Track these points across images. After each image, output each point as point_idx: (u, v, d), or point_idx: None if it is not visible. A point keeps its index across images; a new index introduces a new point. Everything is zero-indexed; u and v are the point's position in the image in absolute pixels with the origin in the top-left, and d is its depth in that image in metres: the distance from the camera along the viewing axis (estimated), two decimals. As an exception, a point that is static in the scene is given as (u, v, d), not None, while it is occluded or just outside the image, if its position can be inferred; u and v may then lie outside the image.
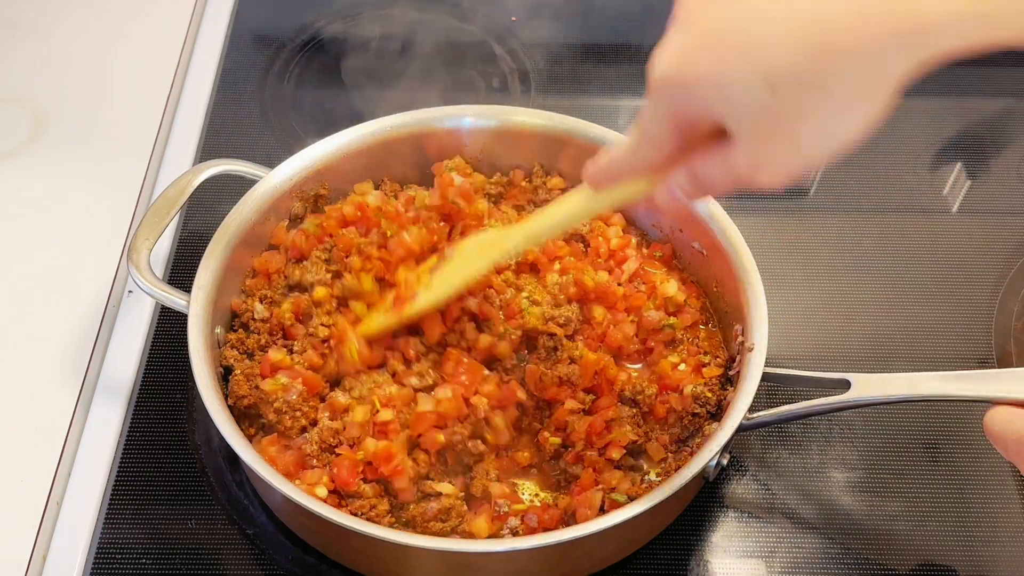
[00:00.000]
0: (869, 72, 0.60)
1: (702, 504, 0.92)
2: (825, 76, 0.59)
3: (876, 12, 0.58)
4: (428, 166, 1.06)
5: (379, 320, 0.92)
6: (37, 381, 0.99)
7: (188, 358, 0.85)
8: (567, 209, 0.81)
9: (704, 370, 0.93)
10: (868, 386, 0.84)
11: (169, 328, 1.04)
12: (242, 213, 0.95)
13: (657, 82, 0.65)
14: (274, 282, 0.97)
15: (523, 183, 1.07)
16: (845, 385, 0.85)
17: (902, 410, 0.99)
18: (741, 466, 0.95)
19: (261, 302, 0.95)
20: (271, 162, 1.01)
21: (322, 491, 0.84)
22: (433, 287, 0.90)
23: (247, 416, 0.90)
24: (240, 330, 0.95)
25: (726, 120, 0.63)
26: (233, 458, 0.83)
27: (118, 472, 0.95)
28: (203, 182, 0.99)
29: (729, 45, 0.61)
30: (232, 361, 0.92)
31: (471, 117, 1.05)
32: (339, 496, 0.85)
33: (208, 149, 1.21)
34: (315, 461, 0.86)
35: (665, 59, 0.64)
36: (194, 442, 0.96)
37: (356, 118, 1.04)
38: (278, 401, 0.87)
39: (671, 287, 0.97)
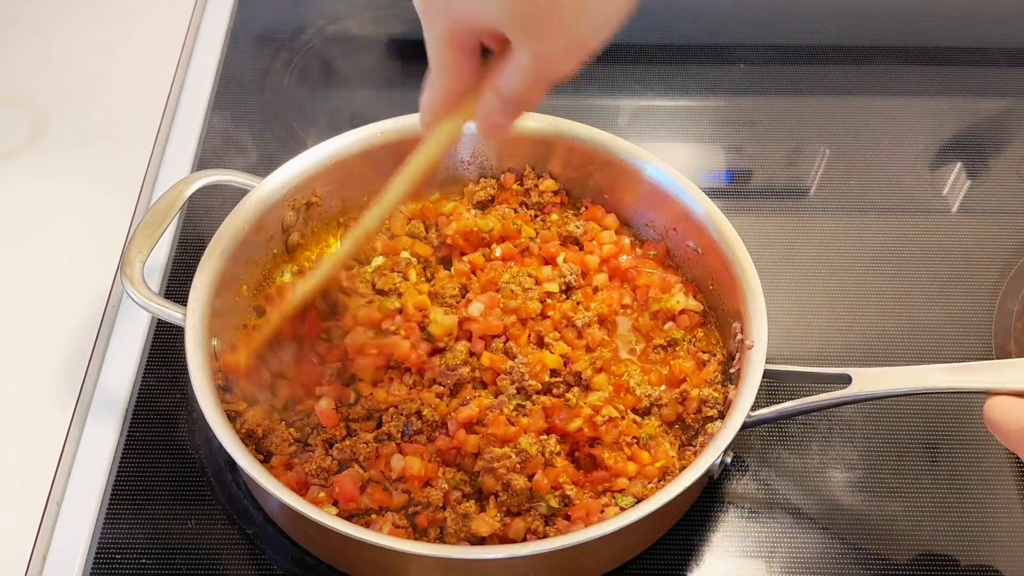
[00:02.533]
0: None
1: (706, 503, 0.93)
2: None
3: None
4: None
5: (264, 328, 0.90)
6: (37, 381, 0.99)
7: (186, 359, 0.85)
8: (416, 159, 0.80)
9: (705, 368, 0.93)
10: (869, 380, 0.84)
11: (169, 329, 1.03)
12: (234, 224, 0.95)
13: (423, 4, 0.67)
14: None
15: (514, 186, 1.06)
16: (846, 380, 0.85)
17: (902, 409, 0.99)
18: (742, 465, 0.95)
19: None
20: (271, 163, 1.01)
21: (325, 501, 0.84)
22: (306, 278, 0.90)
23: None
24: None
25: (498, 26, 0.64)
26: (233, 459, 0.83)
27: (118, 472, 0.95)
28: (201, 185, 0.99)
29: None
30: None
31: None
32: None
33: (208, 150, 1.21)
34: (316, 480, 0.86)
35: None
36: (194, 442, 0.96)
37: (356, 118, 1.04)
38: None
39: (680, 299, 0.98)
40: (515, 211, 1.05)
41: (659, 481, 0.87)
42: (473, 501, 0.85)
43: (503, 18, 0.63)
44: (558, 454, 0.87)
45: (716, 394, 0.91)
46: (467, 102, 0.72)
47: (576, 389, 0.91)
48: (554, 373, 0.92)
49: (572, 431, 0.88)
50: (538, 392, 0.91)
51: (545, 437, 0.87)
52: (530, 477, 0.85)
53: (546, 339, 0.94)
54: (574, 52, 0.66)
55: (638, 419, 0.91)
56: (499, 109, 0.70)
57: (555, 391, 0.91)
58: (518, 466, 0.85)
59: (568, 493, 0.85)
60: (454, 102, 0.72)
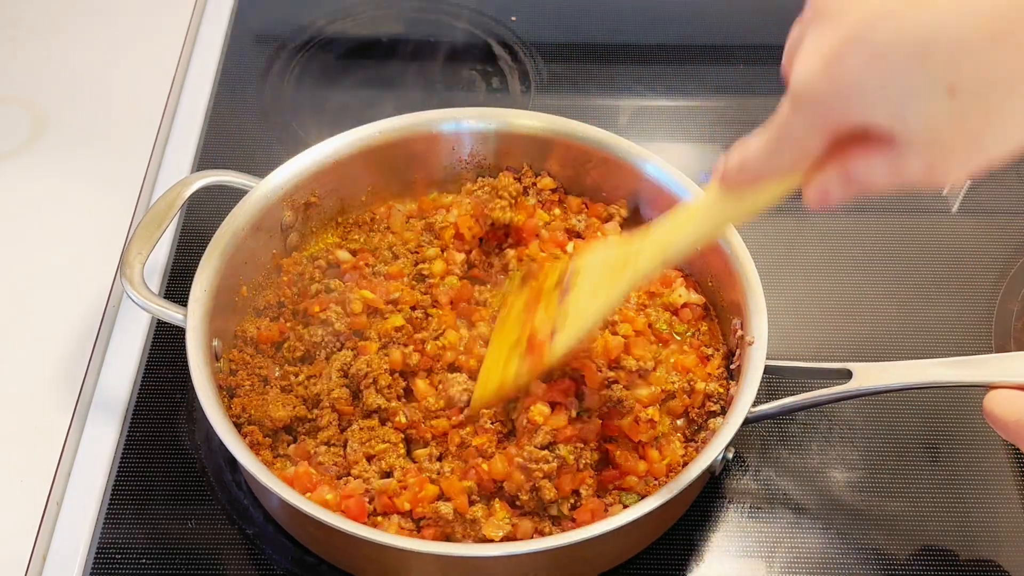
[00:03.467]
0: None
1: (707, 500, 0.93)
2: (1016, 75, 0.53)
3: None
4: (420, 170, 1.06)
5: (510, 375, 0.83)
6: (37, 380, 0.99)
7: (187, 360, 0.85)
8: (702, 217, 0.73)
9: (709, 363, 0.93)
10: (869, 375, 0.84)
11: (169, 329, 1.03)
12: (234, 224, 0.95)
13: (803, 93, 0.58)
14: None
15: (511, 187, 1.05)
16: (846, 375, 0.85)
17: (902, 407, 0.99)
18: (743, 464, 0.95)
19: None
20: (271, 163, 1.01)
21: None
22: (568, 323, 0.81)
23: (249, 423, 0.90)
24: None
25: (894, 129, 0.56)
26: (233, 458, 0.83)
27: (118, 472, 0.95)
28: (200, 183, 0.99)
29: (892, 47, 0.54)
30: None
31: (461, 121, 1.05)
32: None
33: (208, 150, 1.21)
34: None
35: (810, 65, 0.57)
36: (194, 442, 0.96)
37: (356, 118, 1.04)
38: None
39: (681, 292, 0.98)
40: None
41: (663, 478, 0.87)
42: (481, 504, 0.85)
43: (913, 124, 0.56)
44: (592, 464, 0.86)
45: (720, 388, 0.91)
46: (793, 177, 0.65)
47: (618, 386, 0.89)
48: (614, 364, 0.90)
49: (624, 427, 0.87)
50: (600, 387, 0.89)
51: (582, 446, 0.86)
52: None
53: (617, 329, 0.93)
54: (970, 168, 0.58)
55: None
56: (841, 192, 0.62)
57: (613, 387, 0.89)
58: (553, 472, 0.83)
59: (581, 493, 0.85)
60: (783, 175, 0.64)
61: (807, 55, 0.58)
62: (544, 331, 0.82)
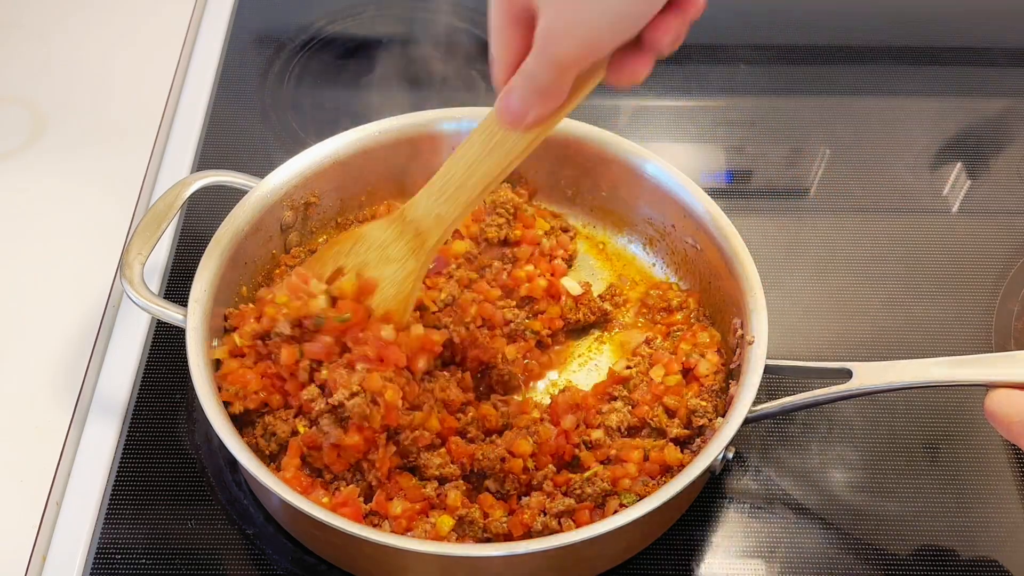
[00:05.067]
0: None
1: (707, 500, 0.93)
2: None
3: None
4: (419, 170, 1.06)
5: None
6: (37, 380, 0.99)
7: (187, 360, 0.86)
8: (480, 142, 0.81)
9: (698, 366, 0.93)
10: (869, 375, 0.84)
11: (169, 329, 1.03)
12: (234, 224, 0.95)
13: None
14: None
15: (509, 203, 1.05)
16: (847, 375, 0.85)
17: (902, 408, 0.99)
18: (743, 464, 0.95)
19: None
20: (271, 163, 1.01)
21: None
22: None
23: (250, 423, 0.90)
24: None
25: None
26: (233, 458, 0.83)
27: (118, 472, 0.94)
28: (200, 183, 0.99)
29: None
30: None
31: (461, 121, 1.05)
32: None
33: (208, 149, 1.21)
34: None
35: None
36: (194, 442, 0.96)
37: (356, 118, 1.04)
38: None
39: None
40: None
41: (661, 477, 0.87)
42: (477, 507, 0.85)
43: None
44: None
45: (703, 403, 0.90)
46: None
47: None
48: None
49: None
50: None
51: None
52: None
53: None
54: (578, 30, 0.66)
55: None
56: (517, 90, 0.70)
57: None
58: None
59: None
60: (511, 74, 0.72)
61: None
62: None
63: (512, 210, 1.04)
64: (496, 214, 1.04)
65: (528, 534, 0.83)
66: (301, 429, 0.87)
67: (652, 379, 0.93)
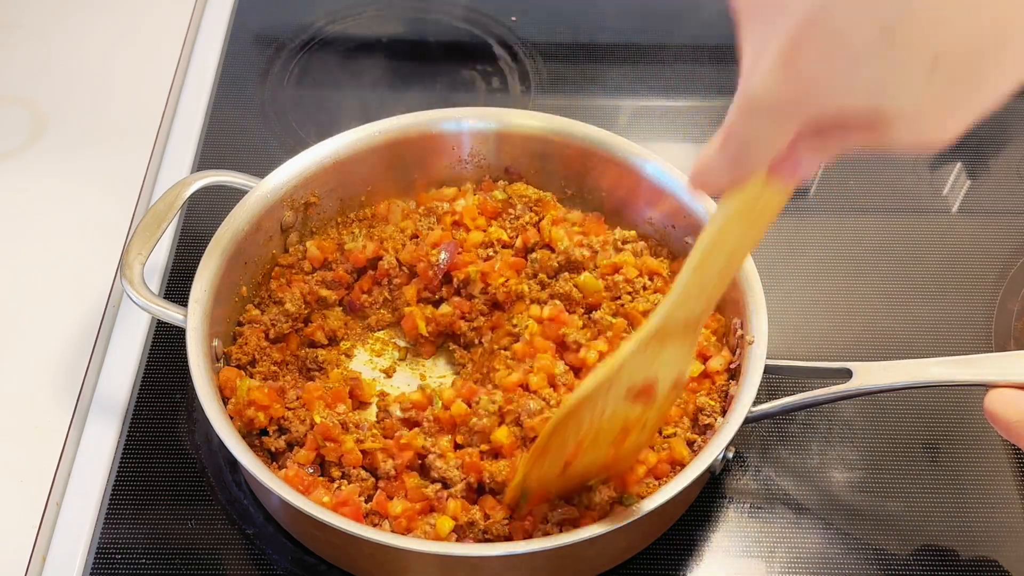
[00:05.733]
0: None
1: (707, 500, 0.93)
2: (1000, 32, 0.50)
3: None
4: (419, 170, 1.06)
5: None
6: (37, 380, 0.99)
7: (188, 360, 0.86)
8: (722, 241, 0.66)
9: (710, 362, 0.93)
10: (869, 374, 0.84)
11: (169, 329, 1.03)
12: (234, 224, 0.95)
13: (763, 100, 0.54)
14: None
15: (496, 194, 1.05)
16: (846, 375, 0.85)
17: (902, 408, 0.99)
18: (743, 464, 0.95)
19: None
20: (272, 163, 1.01)
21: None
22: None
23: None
24: None
25: (878, 110, 0.53)
26: (233, 459, 0.84)
27: (118, 472, 0.95)
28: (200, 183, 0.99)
29: (854, 28, 0.49)
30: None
31: (461, 120, 1.05)
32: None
33: (208, 149, 1.21)
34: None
35: (763, 69, 0.53)
36: (194, 442, 0.96)
37: (356, 118, 1.04)
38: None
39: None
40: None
41: (667, 477, 0.87)
42: (478, 508, 0.85)
43: (894, 106, 0.52)
44: None
45: (711, 401, 0.90)
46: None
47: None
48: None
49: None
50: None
51: None
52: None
53: None
54: (958, 130, 0.55)
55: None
56: (813, 165, 0.59)
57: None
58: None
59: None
60: (752, 177, 0.60)
61: (755, 59, 0.53)
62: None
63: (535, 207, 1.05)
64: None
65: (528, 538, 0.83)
66: (317, 419, 0.87)
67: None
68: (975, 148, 1.23)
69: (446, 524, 0.83)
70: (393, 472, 0.87)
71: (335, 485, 0.86)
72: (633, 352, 0.73)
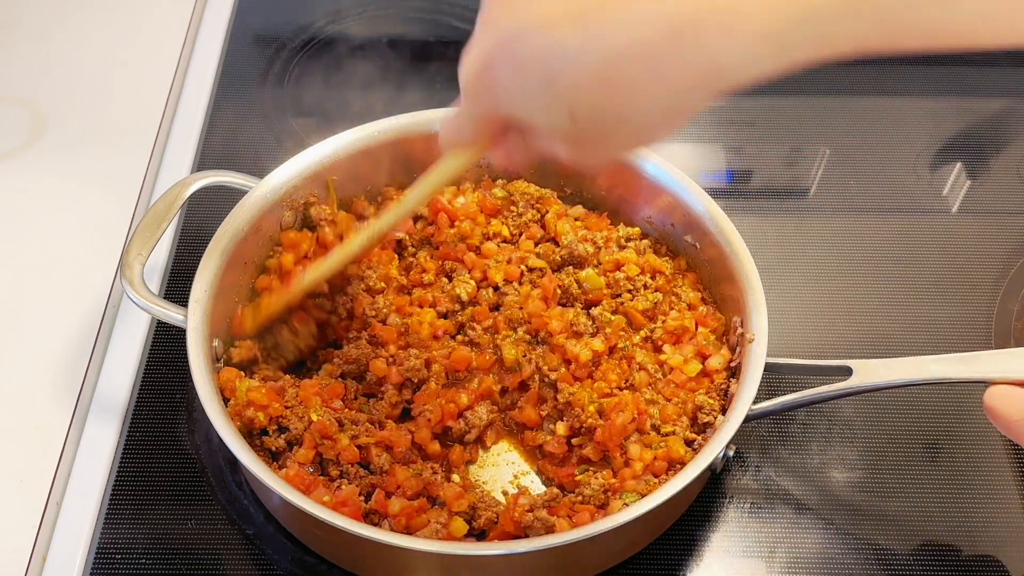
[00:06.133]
0: (668, 109, 0.62)
1: (708, 499, 0.93)
2: (624, 112, 0.62)
3: (671, 62, 0.59)
4: (419, 170, 1.06)
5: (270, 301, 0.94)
6: (37, 381, 0.99)
7: (188, 359, 0.86)
8: (432, 177, 0.83)
9: (710, 360, 0.93)
10: (869, 372, 0.84)
11: (169, 329, 1.03)
12: (234, 225, 0.95)
13: (465, 88, 0.68)
14: None
15: (496, 191, 1.05)
16: (847, 372, 0.85)
17: (901, 407, 0.99)
18: (743, 464, 0.95)
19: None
20: (271, 163, 1.01)
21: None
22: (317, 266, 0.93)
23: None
24: None
25: (533, 127, 0.66)
26: (233, 459, 0.84)
27: (118, 472, 0.94)
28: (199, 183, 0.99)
29: (527, 64, 0.62)
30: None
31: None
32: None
33: (208, 149, 1.21)
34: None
35: (470, 64, 0.67)
36: (194, 442, 0.96)
37: (356, 118, 1.04)
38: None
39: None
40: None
41: (666, 474, 0.87)
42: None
43: (546, 130, 0.66)
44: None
45: (711, 400, 0.90)
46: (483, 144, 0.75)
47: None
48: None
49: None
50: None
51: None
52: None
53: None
54: (604, 160, 0.70)
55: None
56: (522, 152, 0.72)
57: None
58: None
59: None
60: (472, 145, 0.75)
61: (472, 54, 0.66)
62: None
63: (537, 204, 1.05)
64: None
65: (520, 528, 0.84)
66: (314, 417, 0.88)
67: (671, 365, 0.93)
68: (975, 148, 1.23)
69: (460, 526, 0.84)
70: (387, 467, 0.87)
71: (335, 484, 0.86)
72: (360, 242, 0.92)
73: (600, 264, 0.99)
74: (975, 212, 1.16)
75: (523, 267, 1.00)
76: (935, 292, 1.09)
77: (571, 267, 1.00)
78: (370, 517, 0.85)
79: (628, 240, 1.02)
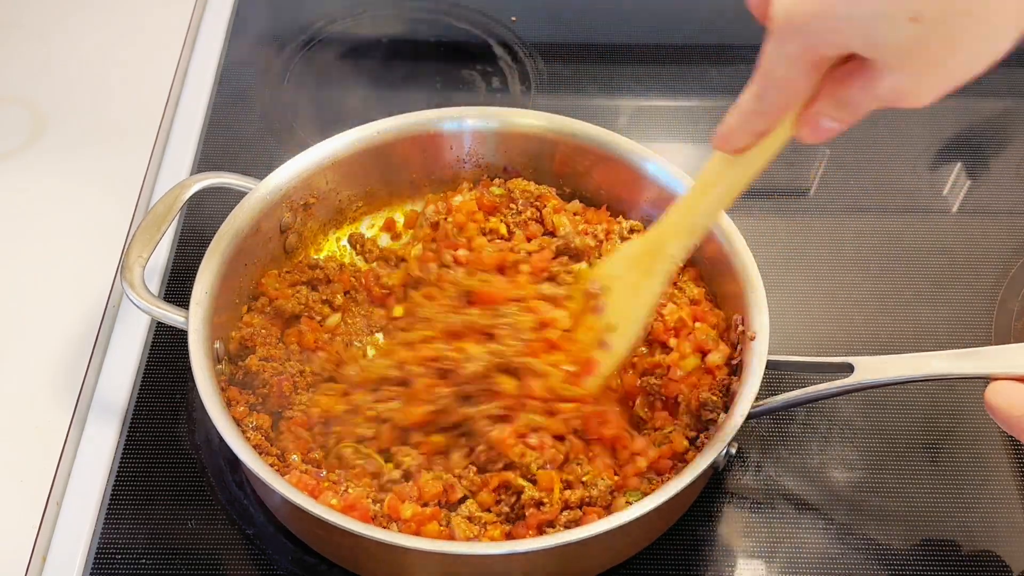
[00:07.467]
0: None
1: (710, 497, 0.93)
2: (974, 4, 0.57)
3: None
4: (419, 170, 1.06)
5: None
6: (37, 381, 0.99)
7: (188, 358, 0.86)
8: (714, 184, 0.75)
9: (709, 356, 0.93)
10: (870, 369, 0.84)
11: (169, 329, 1.03)
12: (234, 226, 0.95)
13: (783, 22, 0.60)
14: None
15: (495, 189, 1.05)
16: (848, 369, 0.85)
17: (902, 405, 0.99)
18: (744, 464, 0.95)
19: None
20: (271, 163, 1.01)
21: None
22: (620, 328, 0.85)
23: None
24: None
25: (868, 53, 0.60)
26: (233, 459, 0.84)
27: (118, 472, 0.94)
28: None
29: None
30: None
31: (462, 120, 1.05)
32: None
33: (208, 150, 1.21)
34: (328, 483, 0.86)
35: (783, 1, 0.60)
36: (194, 442, 0.96)
37: (356, 118, 1.04)
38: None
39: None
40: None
41: (669, 473, 0.87)
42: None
43: (883, 50, 0.59)
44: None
45: (714, 397, 0.90)
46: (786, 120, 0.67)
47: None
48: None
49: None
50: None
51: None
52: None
53: None
54: (937, 90, 0.62)
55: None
56: (833, 116, 0.65)
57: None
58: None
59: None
60: (778, 120, 0.67)
61: None
62: (592, 347, 0.86)
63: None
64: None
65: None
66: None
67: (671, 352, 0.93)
68: (975, 148, 1.23)
69: (462, 528, 0.83)
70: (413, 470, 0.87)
71: (342, 488, 0.85)
72: (617, 255, 0.86)
73: (602, 257, 0.99)
74: (975, 212, 1.16)
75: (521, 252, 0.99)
76: (935, 292, 1.09)
77: (566, 257, 0.99)
78: (379, 520, 0.84)
79: (632, 232, 1.02)
